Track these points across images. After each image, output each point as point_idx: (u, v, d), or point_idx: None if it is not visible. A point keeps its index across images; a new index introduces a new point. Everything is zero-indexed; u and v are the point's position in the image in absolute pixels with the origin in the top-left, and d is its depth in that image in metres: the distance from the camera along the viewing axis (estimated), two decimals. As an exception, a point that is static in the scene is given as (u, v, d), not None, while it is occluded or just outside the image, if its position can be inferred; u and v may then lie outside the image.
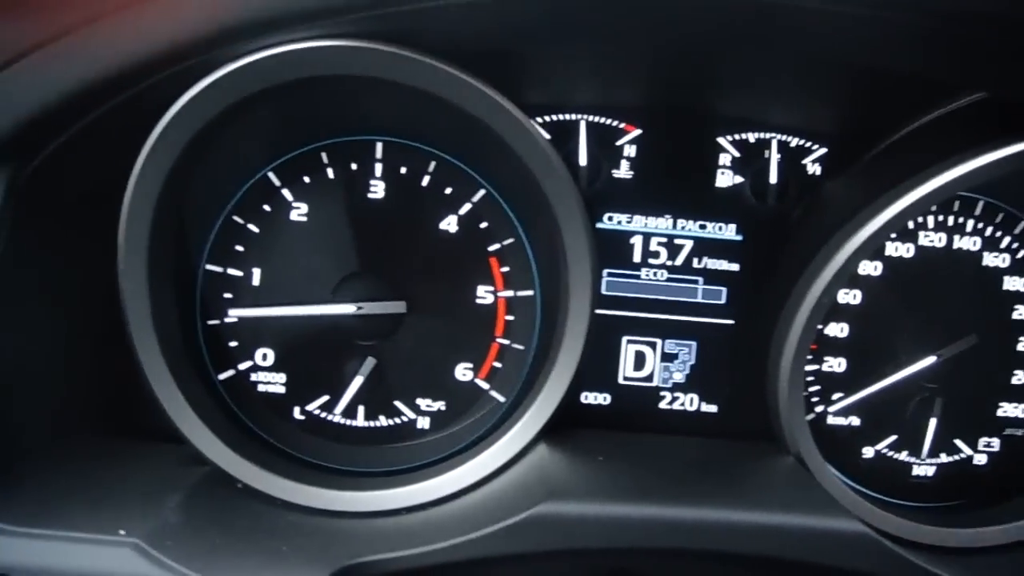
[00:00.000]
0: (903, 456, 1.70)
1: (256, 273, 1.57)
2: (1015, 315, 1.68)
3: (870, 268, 1.64)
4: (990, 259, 1.67)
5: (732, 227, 1.65)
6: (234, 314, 1.57)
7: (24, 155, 1.32)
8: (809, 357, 1.63)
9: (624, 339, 1.67)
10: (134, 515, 1.33)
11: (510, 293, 1.59)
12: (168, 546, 1.27)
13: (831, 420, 1.68)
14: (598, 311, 1.54)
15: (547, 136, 1.42)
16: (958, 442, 1.71)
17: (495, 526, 1.34)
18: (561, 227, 1.41)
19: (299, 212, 1.57)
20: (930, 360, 1.63)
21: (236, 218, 1.56)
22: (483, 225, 1.58)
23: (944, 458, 1.71)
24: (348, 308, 1.55)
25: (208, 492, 1.44)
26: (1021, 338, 1.68)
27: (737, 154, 1.64)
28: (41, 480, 1.38)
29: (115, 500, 1.38)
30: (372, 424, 1.61)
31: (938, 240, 1.65)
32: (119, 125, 1.34)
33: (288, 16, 1.26)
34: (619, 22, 1.32)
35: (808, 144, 1.64)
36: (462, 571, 1.37)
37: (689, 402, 1.69)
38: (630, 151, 1.63)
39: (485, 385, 1.61)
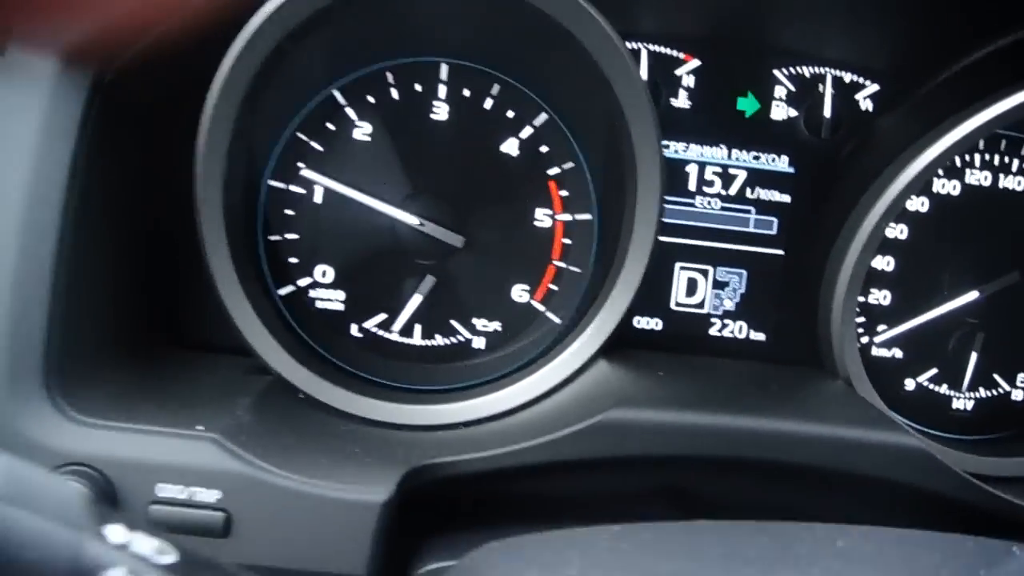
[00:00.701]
0: (943, 389, 1.74)
1: (318, 191, 1.58)
2: (1062, 254, 1.71)
3: (917, 204, 1.67)
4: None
5: (785, 159, 1.69)
6: (296, 223, 1.57)
7: (109, 57, 1.33)
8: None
9: (677, 265, 1.70)
10: (207, 414, 1.35)
11: (568, 217, 1.62)
12: (244, 441, 1.29)
13: (875, 351, 1.71)
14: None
15: None
16: (997, 377, 1.74)
17: (566, 430, 1.37)
18: (635, 148, 1.43)
19: (362, 131, 1.59)
20: (972, 295, 1.66)
21: (300, 135, 1.57)
22: (543, 149, 1.61)
23: (983, 392, 1.75)
24: (412, 219, 1.56)
25: (274, 400, 1.46)
26: (1064, 275, 1.71)
27: (792, 87, 1.67)
28: (116, 381, 1.40)
29: (187, 401, 1.40)
30: (428, 343, 1.64)
31: (984, 179, 1.69)
32: (199, 34, 1.35)
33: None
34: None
35: (861, 80, 1.68)
36: (525, 478, 1.40)
37: (738, 329, 1.73)
38: (688, 81, 1.66)
39: (541, 307, 1.64)
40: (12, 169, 1.29)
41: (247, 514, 1.26)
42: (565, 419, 1.41)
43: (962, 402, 1.74)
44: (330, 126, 1.58)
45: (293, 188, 1.58)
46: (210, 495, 1.26)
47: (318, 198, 1.59)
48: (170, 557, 0.78)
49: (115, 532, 0.76)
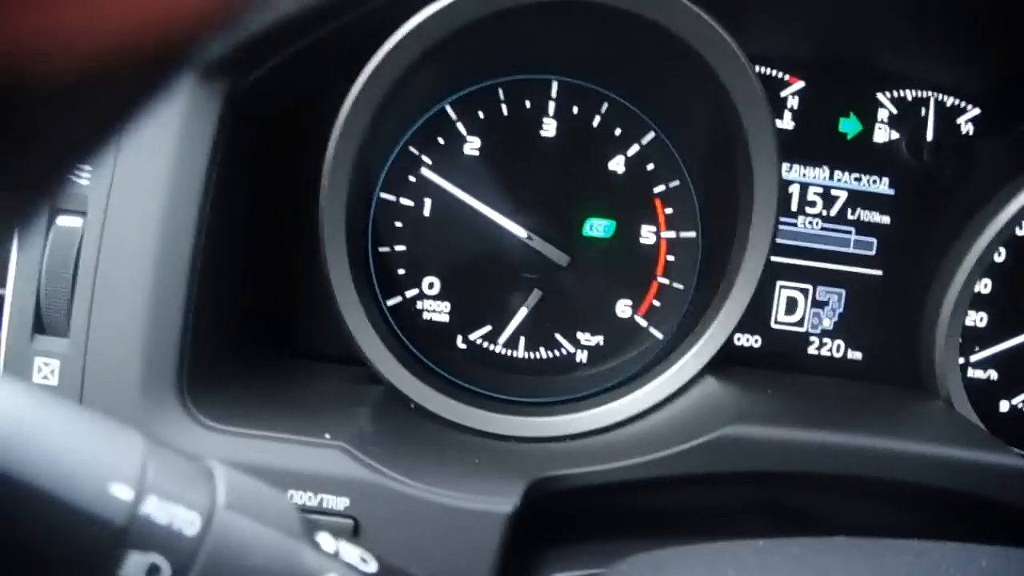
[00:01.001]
0: (1041, 411, 1.75)
1: (427, 203, 1.61)
2: None
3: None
4: None
5: (886, 181, 1.71)
6: (405, 235, 1.60)
7: (243, 71, 1.36)
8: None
9: (778, 284, 1.72)
10: (329, 423, 1.37)
11: (672, 234, 1.64)
12: (371, 450, 1.32)
13: (970, 372, 1.73)
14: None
15: None
16: (1095, 401, 1.75)
17: (687, 444, 1.39)
18: (755, 169, 1.45)
19: (472, 146, 1.61)
20: None
21: (412, 149, 1.60)
22: (650, 167, 1.63)
23: (1082, 415, 1.76)
24: (520, 232, 1.59)
25: (390, 407, 1.48)
26: None
27: (894, 110, 1.69)
28: (238, 389, 1.43)
29: (308, 409, 1.43)
30: (532, 356, 1.66)
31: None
32: (328, 52, 1.38)
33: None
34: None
35: (963, 104, 1.70)
36: (644, 491, 1.42)
37: (836, 348, 1.74)
38: (793, 102, 1.68)
39: (644, 322, 1.66)
40: (150, 180, 1.32)
41: (374, 522, 1.28)
42: (681, 434, 1.43)
43: (1059, 424, 1.75)
44: (440, 140, 1.61)
45: (403, 200, 1.61)
46: (339, 502, 1.28)
47: (427, 211, 1.62)
48: (373, 566, 0.81)
49: (326, 540, 0.79)
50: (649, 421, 1.52)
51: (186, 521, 0.70)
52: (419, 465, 1.34)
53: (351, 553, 0.81)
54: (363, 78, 1.37)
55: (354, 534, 1.28)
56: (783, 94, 1.68)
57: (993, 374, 1.73)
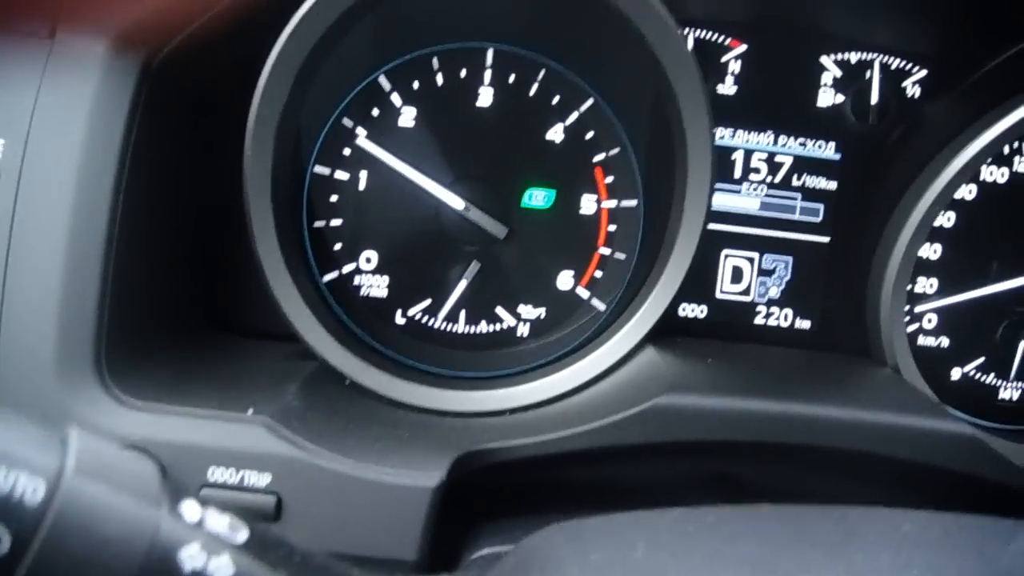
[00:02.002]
0: (990, 378, 1.72)
1: (363, 176, 1.58)
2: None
3: (965, 191, 1.66)
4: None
5: (832, 146, 1.67)
6: (340, 210, 1.57)
7: (157, 43, 1.33)
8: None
9: (723, 253, 1.69)
10: (257, 398, 1.35)
11: (614, 203, 1.61)
12: (295, 425, 1.29)
13: (921, 340, 1.70)
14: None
15: None
16: (1044, 367, 1.72)
17: (618, 415, 1.36)
18: (687, 135, 1.43)
19: (407, 117, 1.58)
20: (1021, 281, 1.64)
21: (345, 121, 1.57)
22: (589, 135, 1.60)
23: (1033, 382, 1.73)
24: (457, 203, 1.55)
25: (321, 385, 1.46)
26: (1107, 267, 1.70)
27: (839, 73, 1.66)
28: (166, 365, 1.40)
29: (236, 385, 1.40)
30: (473, 330, 1.63)
31: (1036, 165, 1.66)
32: (248, 19, 1.35)
33: None
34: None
35: (909, 66, 1.67)
36: (577, 464, 1.39)
37: (784, 317, 1.72)
38: (735, 67, 1.65)
39: (586, 293, 1.63)
40: (62, 153, 1.29)
41: (298, 498, 1.26)
42: (616, 405, 1.40)
43: (1009, 391, 1.73)
44: (375, 111, 1.58)
45: (338, 174, 1.58)
46: (261, 479, 1.26)
47: (363, 184, 1.58)
48: (243, 534, 0.77)
49: (190, 509, 0.76)
50: (587, 394, 1.49)
51: (28, 488, 0.67)
52: (345, 440, 1.32)
53: (218, 521, 0.77)
54: (280, 43, 1.34)
55: (277, 510, 1.25)
56: (725, 58, 1.65)
57: (945, 341, 1.71)
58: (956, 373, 1.72)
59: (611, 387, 1.48)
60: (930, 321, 1.69)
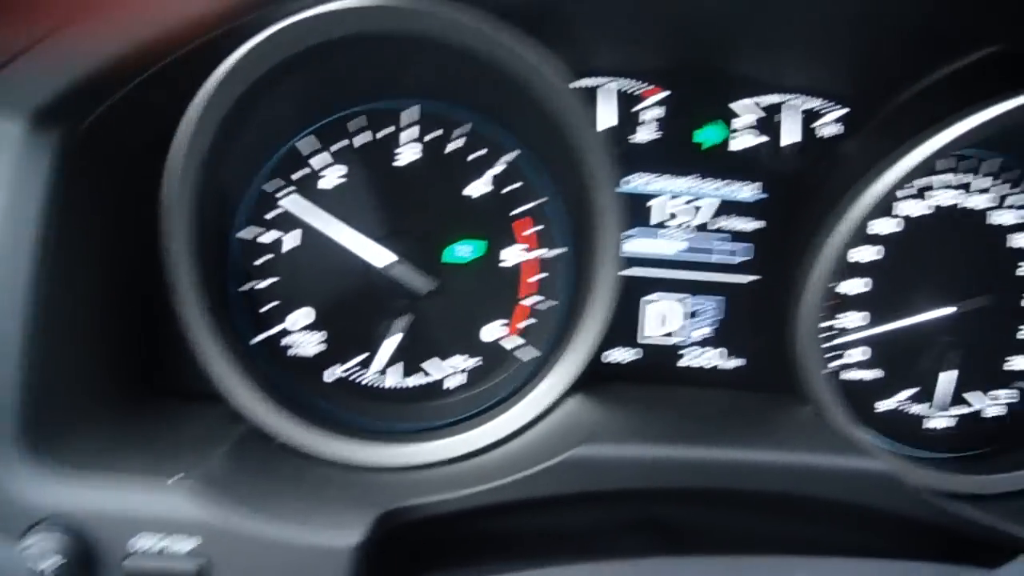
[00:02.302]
0: (917, 409, 1.75)
1: (290, 237, 1.61)
2: (1019, 271, 1.73)
3: (888, 225, 1.69)
4: (998, 216, 1.71)
5: (754, 186, 1.71)
6: (267, 272, 1.60)
7: (75, 117, 1.36)
8: (829, 312, 1.69)
9: (647, 298, 1.73)
10: (183, 463, 1.37)
11: (540, 253, 1.65)
12: (220, 489, 1.31)
13: (850, 373, 1.73)
14: (624, 271, 1.60)
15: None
16: (970, 395, 1.76)
17: (535, 468, 1.39)
18: (589, 187, 1.45)
19: (332, 177, 1.61)
20: (949, 310, 1.67)
21: (270, 183, 1.60)
22: (515, 185, 1.63)
23: (956, 411, 1.76)
24: (390, 256, 1.59)
25: (251, 445, 1.48)
26: (1024, 294, 1.74)
27: (757, 115, 1.69)
28: (95, 432, 1.42)
29: (166, 450, 1.42)
30: (404, 383, 1.66)
31: (953, 198, 1.70)
32: (166, 88, 1.38)
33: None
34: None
35: (827, 104, 1.70)
36: (501, 515, 1.42)
37: (713, 358, 1.75)
38: (653, 113, 1.68)
39: (517, 342, 1.66)
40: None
41: (224, 562, 1.28)
42: (536, 456, 1.43)
43: (935, 421, 1.76)
44: (300, 173, 1.60)
45: (265, 236, 1.60)
46: (187, 544, 1.28)
47: (292, 245, 1.61)
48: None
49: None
50: (510, 446, 1.52)
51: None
52: (269, 502, 1.34)
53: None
54: (190, 118, 1.36)
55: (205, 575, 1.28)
56: (642, 105, 1.69)
57: (872, 374, 1.74)
58: (884, 405, 1.75)
59: (535, 438, 1.51)
60: (857, 355, 1.72)
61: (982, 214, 1.72)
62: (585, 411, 1.51)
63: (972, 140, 1.49)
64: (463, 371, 1.67)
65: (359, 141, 1.61)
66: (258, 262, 1.62)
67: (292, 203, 1.60)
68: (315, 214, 1.60)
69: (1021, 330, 1.76)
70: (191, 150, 1.38)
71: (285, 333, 1.62)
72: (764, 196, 1.70)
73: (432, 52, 1.38)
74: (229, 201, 1.59)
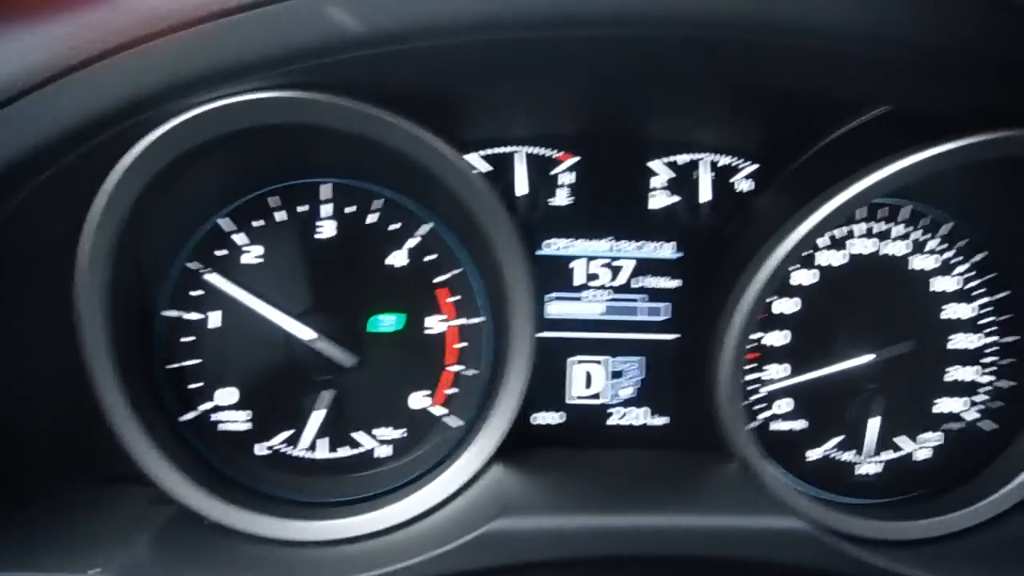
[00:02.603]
0: (847, 456, 1.77)
1: (214, 316, 1.62)
2: (943, 315, 1.74)
3: (805, 277, 1.71)
4: (919, 262, 1.73)
5: (671, 245, 1.73)
6: (193, 350, 1.61)
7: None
8: (753, 366, 1.70)
9: (572, 359, 1.74)
10: (107, 554, 1.37)
11: (461, 321, 1.66)
12: (141, 579, 1.32)
13: (776, 425, 1.74)
14: (546, 334, 1.63)
15: (484, 168, 1.54)
16: (899, 439, 1.77)
17: (451, 545, 1.40)
18: (499, 258, 1.47)
19: (253, 255, 1.62)
20: (867, 358, 1.69)
21: (192, 264, 1.61)
22: (431, 257, 1.65)
23: (887, 455, 1.78)
24: (309, 332, 1.60)
25: (177, 529, 1.49)
26: (951, 336, 1.75)
27: (671, 175, 1.71)
28: (12, 524, 1.42)
29: (88, 540, 1.43)
30: (334, 456, 1.67)
31: (869, 246, 1.73)
32: (79, 178, 1.39)
33: (229, 70, 1.32)
34: (549, 62, 1.38)
35: (739, 161, 1.72)
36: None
37: (639, 416, 1.76)
38: (567, 178, 1.70)
39: (441, 411, 1.67)
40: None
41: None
42: (456, 530, 1.44)
43: (866, 467, 1.78)
44: (221, 252, 1.61)
45: (190, 315, 1.62)
46: (103, 639, 1.28)
47: (216, 323, 1.62)
48: None
49: None
50: (436, 517, 1.52)
51: None
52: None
53: None
54: (96, 207, 1.37)
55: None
56: (557, 171, 1.70)
57: (800, 424, 1.75)
58: (814, 454, 1.76)
59: (457, 511, 1.52)
60: (783, 406, 1.73)
61: (903, 260, 1.72)
62: (508, 480, 1.52)
63: (877, 193, 1.50)
64: (391, 441, 1.67)
65: (279, 217, 1.62)
66: (183, 340, 1.62)
67: (214, 281, 1.60)
68: (237, 292, 1.60)
69: (948, 372, 1.76)
70: (97, 241, 1.39)
71: (215, 409, 1.63)
72: (680, 255, 1.71)
73: (336, 137, 1.38)
74: (152, 281, 1.60)
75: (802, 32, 1.27)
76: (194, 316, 1.62)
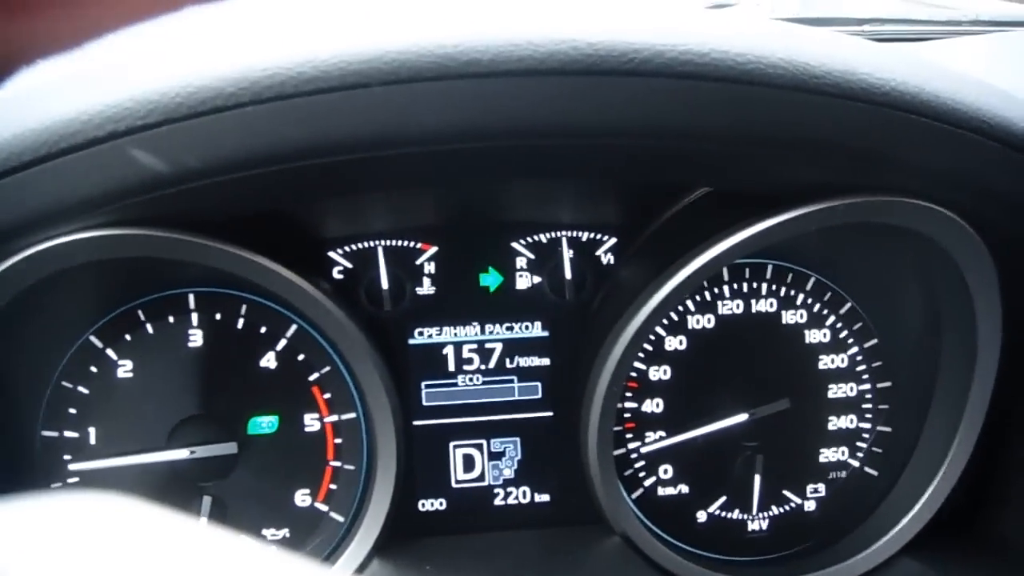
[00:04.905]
0: (736, 515, 1.78)
1: (92, 432, 1.64)
2: (821, 365, 1.77)
3: (675, 343, 1.73)
4: (789, 317, 1.76)
5: (538, 324, 1.75)
6: (73, 468, 1.63)
7: None
8: (630, 436, 1.73)
9: (451, 444, 1.76)
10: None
11: (335, 417, 1.68)
12: None
13: (661, 491, 1.76)
14: (424, 421, 1.65)
15: (346, 266, 1.64)
16: (787, 493, 1.79)
17: None
18: (349, 359, 1.50)
19: (125, 369, 1.65)
20: (741, 417, 1.71)
21: (65, 383, 1.63)
22: (301, 357, 1.67)
23: (776, 510, 1.80)
24: (182, 453, 1.62)
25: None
26: (831, 386, 1.78)
27: (532, 256, 1.74)
28: None
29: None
30: (222, 559, 1.68)
31: (736, 307, 1.75)
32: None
33: (67, 209, 1.34)
34: (390, 176, 1.42)
35: (598, 236, 1.75)
36: None
37: (522, 495, 1.78)
38: (430, 267, 1.73)
39: (324, 507, 1.69)
40: None
41: None
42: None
43: (757, 523, 1.79)
44: (93, 368, 1.64)
45: (67, 433, 1.63)
46: None
47: (93, 439, 1.64)
48: None
49: None
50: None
51: None
52: None
53: None
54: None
55: None
56: (418, 261, 1.73)
57: (684, 488, 1.77)
58: (702, 516, 1.78)
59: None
60: (666, 471, 1.75)
61: (774, 316, 1.75)
62: (390, 574, 1.54)
63: (731, 258, 1.53)
64: (280, 539, 1.69)
65: (146, 331, 1.63)
66: (64, 458, 1.64)
67: (86, 399, 1.64)
68: (113, 406, 1.62)
69: (830, 421, 1.78)
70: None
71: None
72: (545, 334, 1.74)
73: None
74: (26, 402, 1.62)
75: (628, 135, 1.29)
76: (73, 434, 1.63)
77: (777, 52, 1.24)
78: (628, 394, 1.71)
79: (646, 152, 1.35)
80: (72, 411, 1.65)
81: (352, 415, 1.69)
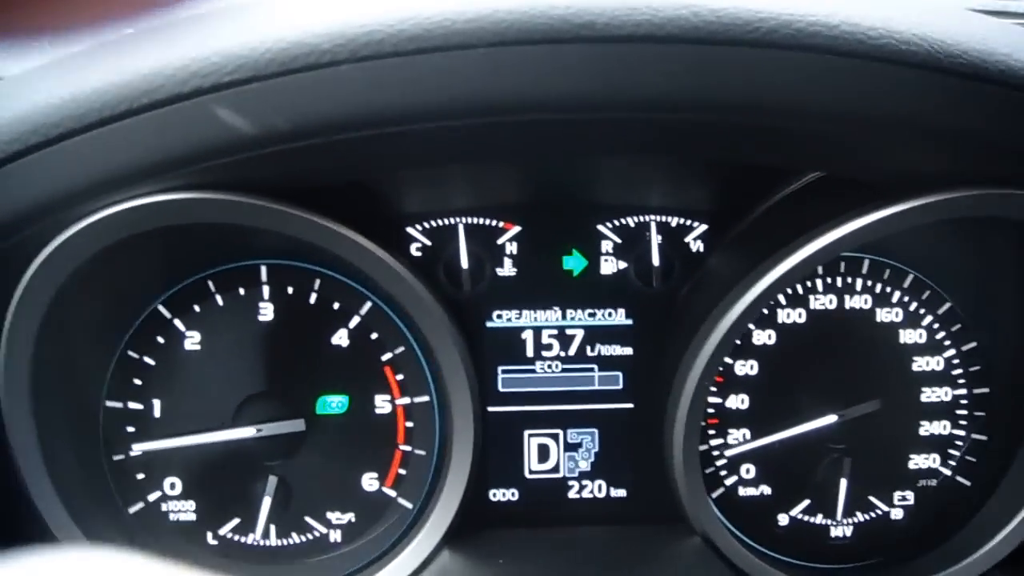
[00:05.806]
0: (819, 519, 1.70)
1: (157, 405, 1.59)
2: (915, 367, 1.69)
3: (764, 337, 1.65)
4: (883, 315, 1.67)
5: (621, 312, 1.68)
6: (137, 448, 1.57)
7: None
8: (712, 432, 1.65)
9: (526, 433, 1.70)
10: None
11: (407, 400, 1.62)
12: None
13: (743, 491, 1.68)
14: (499, 408, 1.59)
15: (424, 243, 1.59)
16: (873, 499, 1.71)
17: None
18: (429, 339, 1.44)
19: (193, 341, 1.60)
20: (830, 419, 1.63)
21: (131, 352, 1.58)
22: (374, 336, 1.61)
23: (861, 517, 1.72)
24: (248, 431, 1.57)
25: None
26: (924, 390, 1.69)
27: (618, 240, 1.67)
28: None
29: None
30: (285, 542, 1.63)
31: (829, 302, 1.67)
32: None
33: (143, 170, 1.29)
34: (476, 147, 1.35)
35: (688, 222, 1.67)
36: None
37: (597, 489, 1.71)
38: (512, 248, 1.66)
39: (392, 493, 1.63)
40: None
41: None
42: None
43: (840, 529, 1.71)
44: (160, 339, 1.59)
45: (131, 405, 1.58)
46: None
47: (157, 412, 1.58)
48: None
49: None
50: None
51: None
52: None
53: None
54: (10, 313, 1.34)
55: None
56: (500, 241, 1.66)
57: (766, 489, 1.69)
58: (784, 519, 1.70)
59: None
60: (748, 471, 1.68)
61: (868, 313, 1.67)
62: (458, 567, 1.47)
63: (836, 252, 1.45)
64: (346, 523, 1.63)
65: (216, 303, 1.58)
66: (129, 429, 1.59)
67: (152, 371, 1.59)
68: (179, 379, 1.57)
69: (922, 426, 1.70)
70: (17, 337, 1.36)
71: (164, 499, 1.59)
72: (629, 322, 1.66)
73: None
74: (92, 371, 1.57)
75: (745, 111, 1.21)
76: (138, 405, 1.58)
77: (911, 28, 1.15)
78: (712, 388, 1.62)
79: (760, 131, 1.26)
80: (137, 382, 1.60)
81: (425, 398, 1.62)
